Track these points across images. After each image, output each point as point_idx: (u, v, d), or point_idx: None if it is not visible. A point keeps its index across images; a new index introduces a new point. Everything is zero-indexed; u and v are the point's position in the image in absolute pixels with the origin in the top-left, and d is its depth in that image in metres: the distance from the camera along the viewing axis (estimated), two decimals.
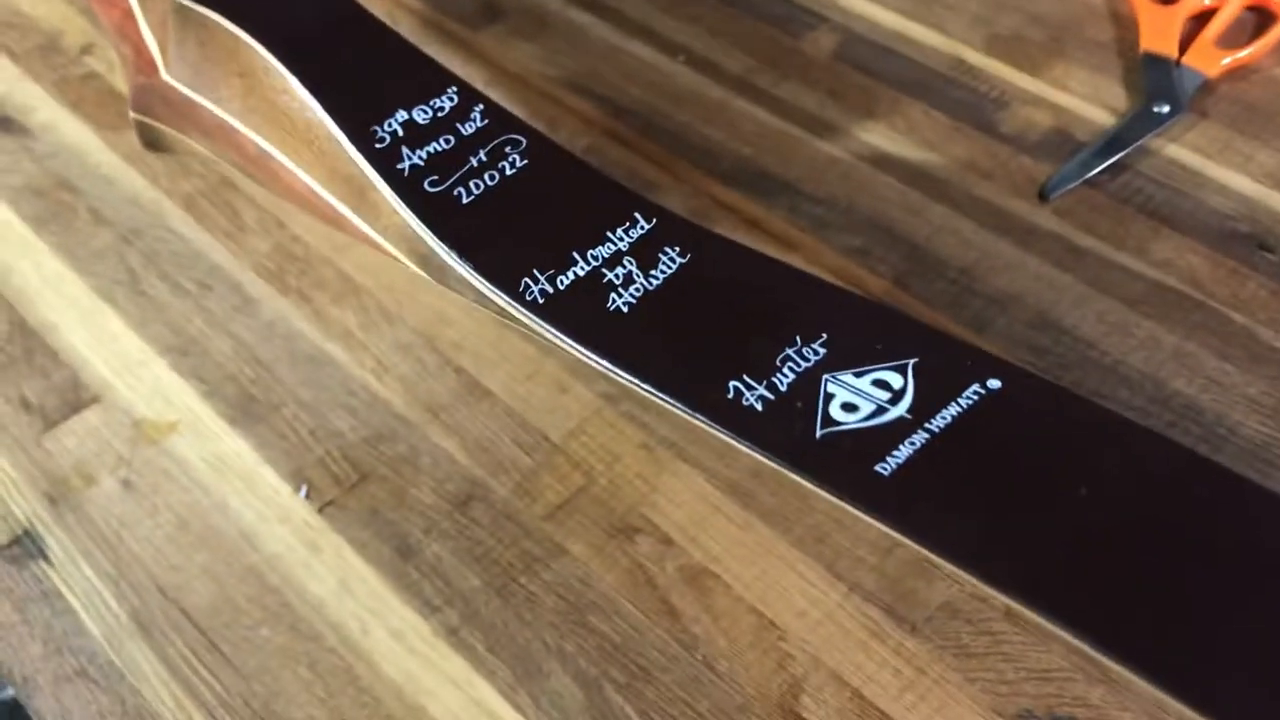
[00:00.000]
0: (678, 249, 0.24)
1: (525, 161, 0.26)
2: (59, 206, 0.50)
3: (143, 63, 0.30)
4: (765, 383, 0.23)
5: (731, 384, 0.23)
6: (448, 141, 0.26)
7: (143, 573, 0.39)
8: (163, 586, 0.38)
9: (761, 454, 0.22)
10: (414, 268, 0.26)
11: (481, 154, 0.26)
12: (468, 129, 0.26)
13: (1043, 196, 0.49)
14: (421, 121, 0.26)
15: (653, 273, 0.24)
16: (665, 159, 0.51)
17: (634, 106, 0.54)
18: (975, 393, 0.22)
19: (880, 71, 0.55)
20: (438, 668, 0.36)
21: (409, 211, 0.25)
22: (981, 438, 0.23)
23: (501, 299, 0.24)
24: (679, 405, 0.22)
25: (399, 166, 0.25)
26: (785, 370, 0.23)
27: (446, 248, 0.24)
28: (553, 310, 0.23)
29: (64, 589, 0.38)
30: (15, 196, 0.50)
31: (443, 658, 0.37)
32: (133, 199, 0.49)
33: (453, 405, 0.42)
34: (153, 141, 0.31)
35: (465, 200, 0.25)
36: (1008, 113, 0.53)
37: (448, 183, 0.25)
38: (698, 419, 0.23)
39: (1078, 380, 0.42)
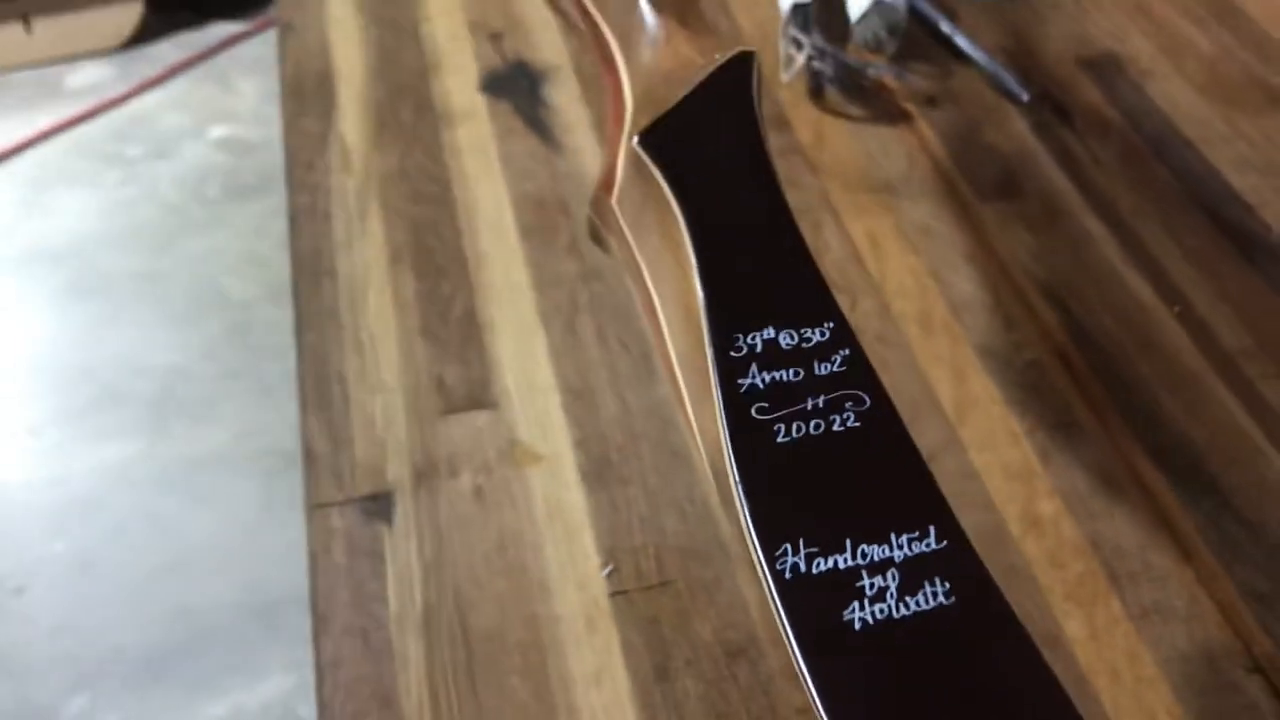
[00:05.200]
0: (948, 586, 0.23)
1: (858, 424, 0.26)
2: (547, 223, 0.55)
3: (607, 175, 0.33)
4: None
5: None
6: (796, 374, 0.26)
7: (451, 575, 0.43)
8: (459, 595, 0.42)
9: None
10: (710, 476, 0.27)
11: (821, 400, 0.26)
12: (821, 369, 0.26)
13: None
14: (784, 346, 0.27)
15: (908, 599, 0.23)
16: (1104, 406, 0.48)
17: (1101, 339, 0.51)
18: None
19: None
20: None
21: (725, 426, 0.26)
22: None
23: (756, 552, 0.24)
24: None
25: (740, 381, 0.26)
26: None
27: (738, 474, 0.25)
28: (792, 591, 0.23)
29: (389, 557, 0.43)
30: (522, 199, 0.57)
31: None
32: None
33: None
34: (598, 241, 0.34)
35: (779, 439, 0.25)
36: None
37: (773, 414, 0.26)
38: None
39: None
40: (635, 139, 0.32)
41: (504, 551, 0.43)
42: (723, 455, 0.25)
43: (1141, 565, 0.43)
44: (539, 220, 0.56)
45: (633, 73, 0.35)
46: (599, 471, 0.46)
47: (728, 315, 0.27)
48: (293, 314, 0.52)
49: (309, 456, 0.47)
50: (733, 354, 0.27)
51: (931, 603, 0.23)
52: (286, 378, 0.49)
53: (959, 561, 0.24)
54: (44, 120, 1.72)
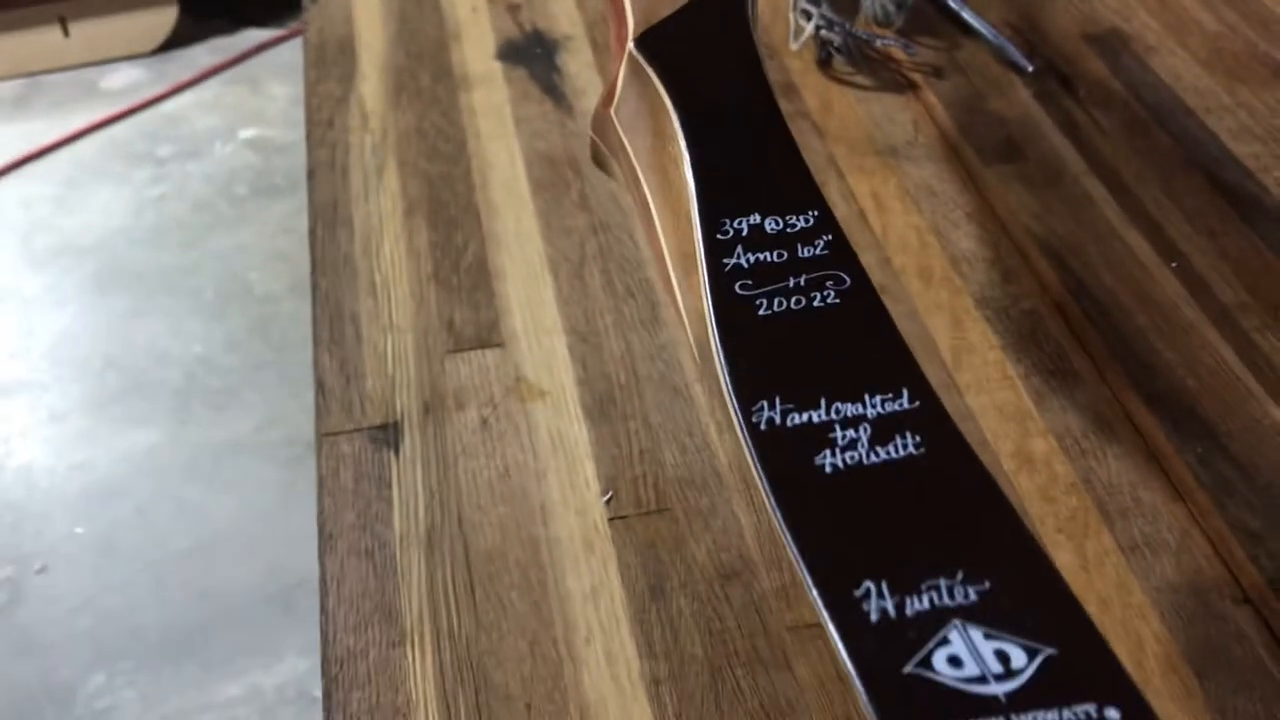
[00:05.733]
0: (919, 438, 0.24)
1: (837, 300, 0.27)
2: (558, 180, 0.57)
3: (608, 90, 0.34)
4: (897, 598, 0.22)
5: (867, 583, 0.22)
6: (780, 256, 0.27)
7: (454, 499, 0.44)
8: (463, 518, 0.43)
9: (843, 656, 0.21)
10: (695, 353, 0.28)
11: (803, 279, 0.27)
12: (805, 252, 0.27)
13: None
14: (769, 230, 0.28)
15: (879, 449, 0.24)
16: (1100, 355, 0.49)
17: (1098, 292, 0.51)
18: (1086, 714, 0.20)
19: None
20: (627, 706, 0.38)
21: (709, 301, 0.27)
22: None
23: (732, 406, 0.25)
24: (805, 571, 0.22)
25: (724, 260, 0.27)
26: (924, 597, 0.22)
27: (719, 342, 0.26)
28: (765, 440, 0.24)
29: (395, 481, 0.45)
30: (534, 158, 0.58)
31: (635, 700, 0.38)
32: (616, 198, 0.55)
33: None
34: (600, 162, 0.35)
35: (761, 312, 0.26)
36: None
37: (756, 290, 0.27)
38: (812, 593, 0.22)
39: None
40: (632, 42, 0.33)
41: (507, 479, 0.45)
42: (705, 326, 0.27)
43: (1133, 501, 0.44)
44: (550, 176, 0.57)
45: None
46: (602, 407, 0.47)
47: (716, 202, 0.29)
48: (309, 259, 0.53)
49: (321, 389, 0.48)
50: (719, 236, 0.28)
51: (901, 453, 0.24)
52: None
53: (930, 419, 0.25)
54: (79, 120, 1.76)
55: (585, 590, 0.41)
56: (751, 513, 0.43)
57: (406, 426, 0.46)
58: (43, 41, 1.82)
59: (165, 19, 1.86)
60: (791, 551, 0.23)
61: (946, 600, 0.22)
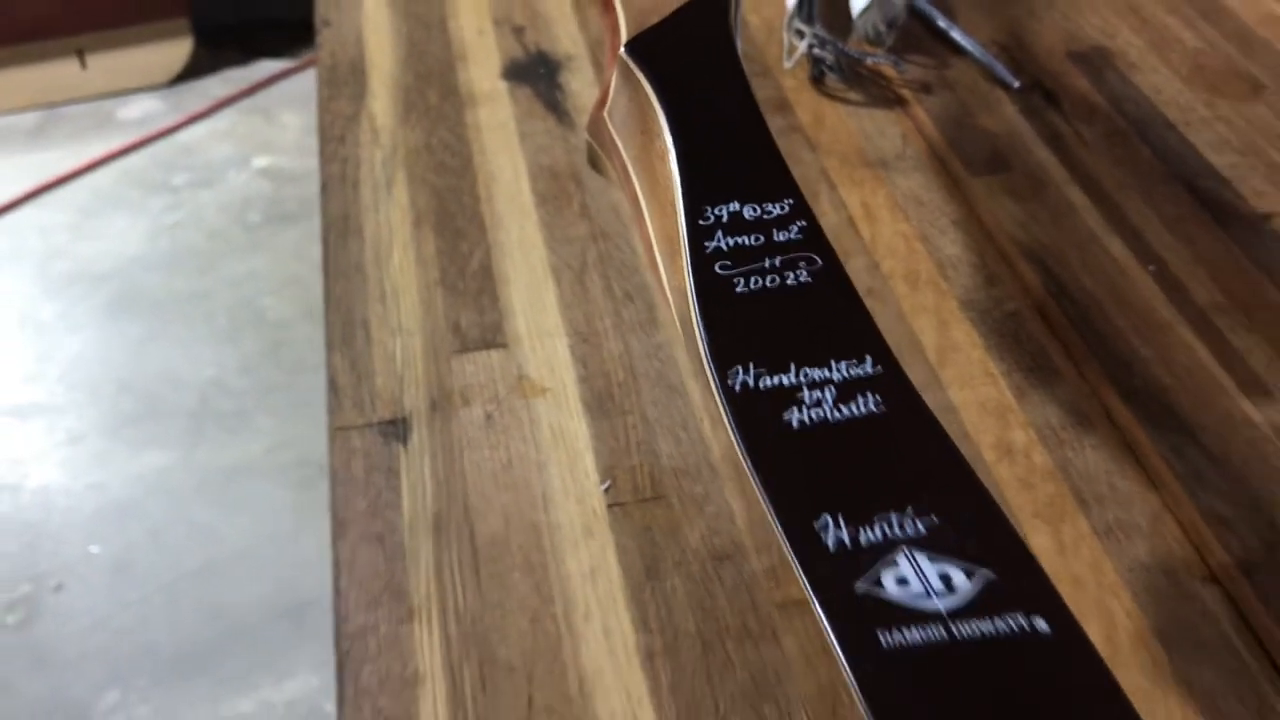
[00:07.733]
0: (879, 398, 0.26)
1: (809, 279, 0.29)
2: (561, 191, 0.59)
3: (602, 92, 0.36)
4: (852, 529, 0.24)
5: (825, 515, 0.24)
6: (757, 239, 0.30)
7: (460, 487, 0.46)
8: (468, 505, 0.46)
9: (801, 576, 0.23)
10: (678, 326, 0.30)
11: (778, 260, 0.29)
12: (780, 236, 0.30)
13: None
14: (748, 217, 0.30)
15: (842, 407, 0.26)
16: (1080, 355, 0.51)
17: (1078, 295, 0.54)
18: (1016, 623, 0.22)
19: None
20: (623, 678, 0.40)
21: (692, 279, 0.29)
22: (995, 673, 0.22)
23: (710, 370, 0.27)
24: (769, 506, 0.24)
25: (706, 243, 0.30)
26: (876, 528, 0.24)
27: (700, 316, 0.28)
28: (739, 400, 0.26)
29: (404, 471, 0.47)
30: (538, 170, 0.61)
31: (630, 671, 0.40)
32: (616, 209, 0.58)
33: None
34: (595, 163, 0.38)
35: (739, 289, 0.29)
36: None
37: (734, 270, 0.29)
38: (775, 524, 0.24)
39: None
40: (623, 47, 0.36)
41: (510, 470, 0.47)
42: (688, 302, 0.29)
43: (1109, 489, 0.46)
44: (553, 189, 0.60)
45: (627, 8, 0.39)
46: (601, 403, 0.49)
47: (699, 191, 0.31)
48: (321, 268, 0.56)
49: (334, 387, 0.50)
50: (701, 222, 0.30)
51: (863, 410, 0.26)
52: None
53: (891, 382, 0.27)
54: (96, 150, 1.80)
55: (584, 571, 0.43)
56: (743, 500, 0.45)
57: (415, 421, 0.49)
58: (61, 73, 1.86)
59: (180, 51, 1.90)
60: (759, 491, 0.25)
61: (897, 531, 0.24)
